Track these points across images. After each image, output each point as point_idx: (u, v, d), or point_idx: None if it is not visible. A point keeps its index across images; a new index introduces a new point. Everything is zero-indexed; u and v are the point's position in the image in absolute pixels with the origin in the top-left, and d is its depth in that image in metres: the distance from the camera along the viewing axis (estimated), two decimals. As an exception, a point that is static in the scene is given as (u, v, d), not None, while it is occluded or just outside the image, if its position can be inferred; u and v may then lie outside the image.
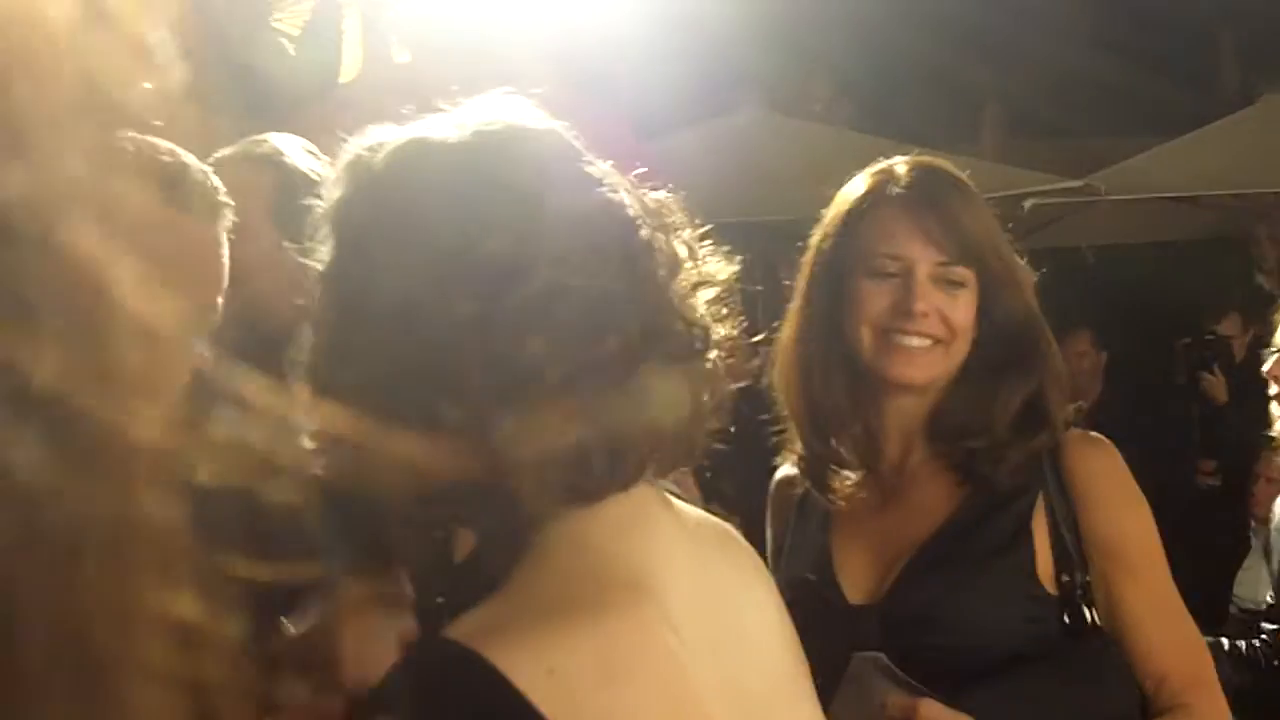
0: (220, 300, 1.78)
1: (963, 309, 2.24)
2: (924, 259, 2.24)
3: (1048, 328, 2.30)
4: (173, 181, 1.72)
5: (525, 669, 1.11)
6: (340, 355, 1.21)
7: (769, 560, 2.42)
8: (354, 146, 1.30)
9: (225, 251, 1.77)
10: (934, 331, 2.24)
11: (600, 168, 1.31)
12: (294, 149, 2.84)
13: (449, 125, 1.27)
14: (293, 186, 2.76)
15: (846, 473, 2.32)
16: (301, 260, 2.66)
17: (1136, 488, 2.25)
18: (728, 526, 1.45)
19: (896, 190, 2.27)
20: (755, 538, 2.33)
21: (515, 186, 1.22)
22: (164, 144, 1.77)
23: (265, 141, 2.85)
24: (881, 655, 2.13)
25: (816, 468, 2.35)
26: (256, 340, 2.71)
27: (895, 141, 2.42)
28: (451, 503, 1.22)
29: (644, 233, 1.27)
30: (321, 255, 1.30)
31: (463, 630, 1.15)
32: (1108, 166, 9.00)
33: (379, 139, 1.29)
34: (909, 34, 11.97)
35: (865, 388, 2.28)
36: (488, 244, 1.18)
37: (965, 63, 13.23)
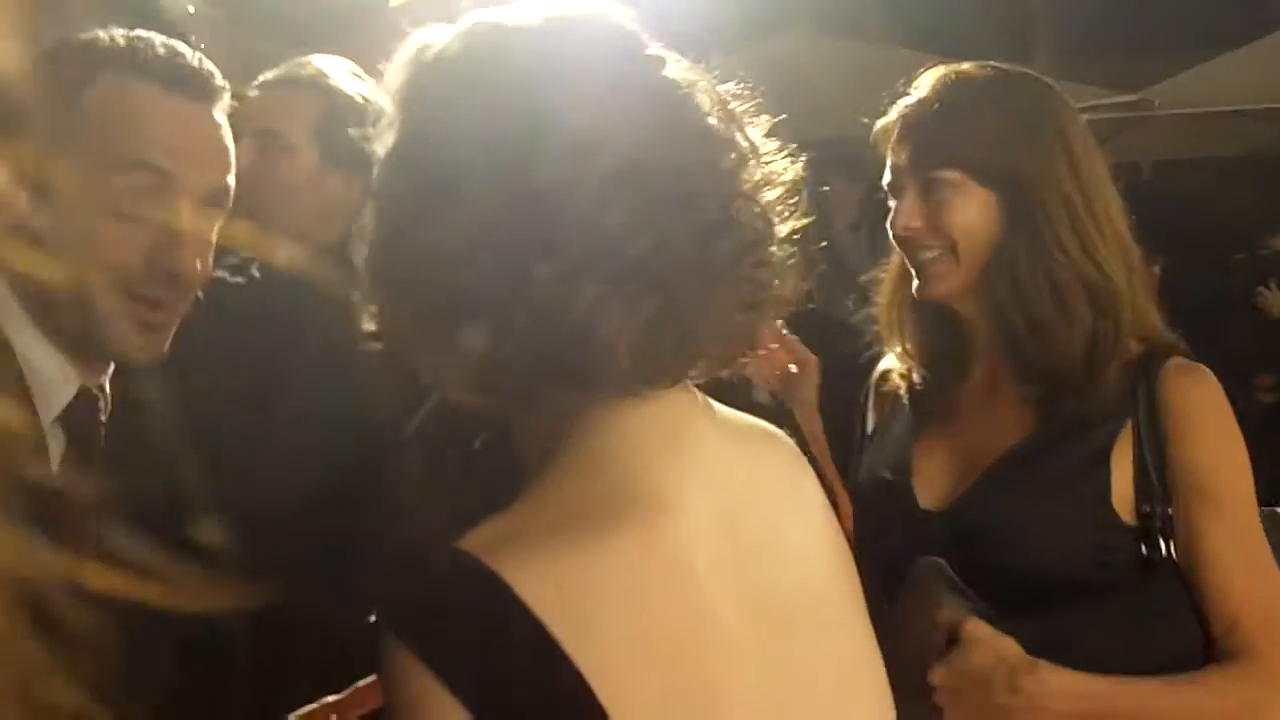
0: (230, 180, 1.81)
1: (956, 212, 2.16)
2: (909, 169, 2.20)
3: (1074, 232, 2.15)
4: (165, 66, 1.76)
5: (534, 583, 1.11)
6: (424, 222, 1.21)
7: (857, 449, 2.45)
8: (412, 43, 1.30)
9: (226, 133, 1.81)
10: (929, 241, 2.19)
11: (666, 51, 1.32)
12: (339, 71, 2.85)
13: (519, 11, 1.28)
14: (337, 108, 2.78)
15: (938, 384, 2.31)
16: (345, 180, 2.70)
17: (1233, 423, 2.16)
18: (774, 431, 1.44)
19: (902, 106, 2.25)
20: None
21: (593, 65, 1.24)
22: (158, 36, 1.80)
23: (309, 64, 2.86)
24: (942, 561, 2.10)
25: (911, 380, 2.35)
26: (304, 259, 2.74)
27: (945, 59, 2.38)
28: (522, 379, 1.21)
29: (714, 119, 1.28)
30: (387, 139, 1.29)
31: (474, 542, 1.15)
32: (1162, 81, 8.89)
33: (437, 32, 1.30)
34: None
35: (931, 308, 2.28)
36: (570, 118, 1.18)
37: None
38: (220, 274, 2.81)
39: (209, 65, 1.81)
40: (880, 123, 2.26)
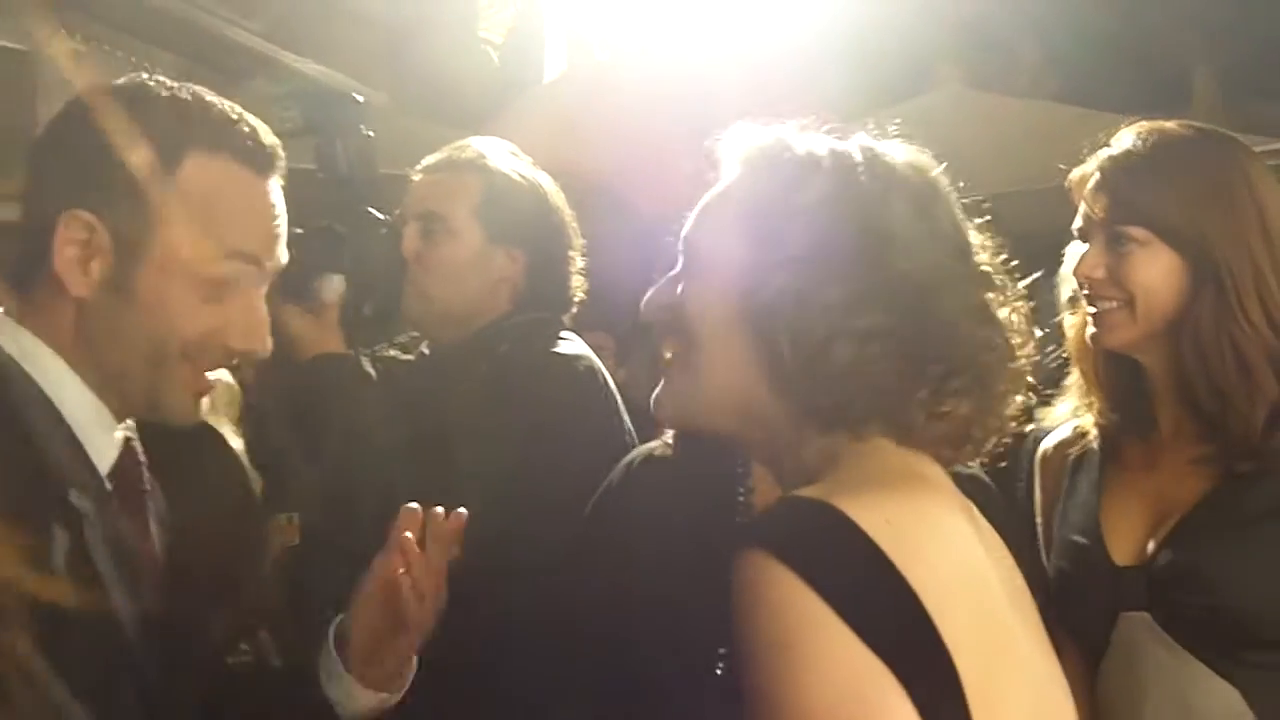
0: (282, 249, 1.82)
1: (1139, 269, 2.20)
2: (1100, 220, 2.24)
3: (1260, 303, 2.17)
4: (247, 142, 1.77)
5: (868, 518, 1.32)
6: (862, 304, 1.44)
7: (1039, 521, 2.46)
8: (760, 138, 1.56)
9: (276, 200, 1.81)
10: (1108, 292, 2.23)
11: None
12: (497, 152, 2.94)
13: (895, 150, 1.57)
14: (496, 188, 2.87)
15: (1125, 435, 2.34)
16: (509, 256, 2.79)
17: None
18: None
19: (1102, 157, 2.27)
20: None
21: (943, 215, 1.54)
22: (217, 98, 1.81)
23: (468, 146, 2.96)
24: (1147, 615, 2.14)
25: (1107, 433, 2.37)
26: (469, 336, 2.84)
27: (1100, 112, 2.36)
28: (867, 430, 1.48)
29: (983, 261, 1.56)
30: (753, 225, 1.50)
31: (812, 492, 1.37)
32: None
33: (788, 132, 1.55)
34: (1114, 2, 11.70)
35: (1118, 355, 2.31)
36: (962, 260, 1.52)
37: (1174, 28, 12.87)
38: (392, 352, 2.92)
39: (265, 129, 1.82)
40: (1077, 171, 2.31)
